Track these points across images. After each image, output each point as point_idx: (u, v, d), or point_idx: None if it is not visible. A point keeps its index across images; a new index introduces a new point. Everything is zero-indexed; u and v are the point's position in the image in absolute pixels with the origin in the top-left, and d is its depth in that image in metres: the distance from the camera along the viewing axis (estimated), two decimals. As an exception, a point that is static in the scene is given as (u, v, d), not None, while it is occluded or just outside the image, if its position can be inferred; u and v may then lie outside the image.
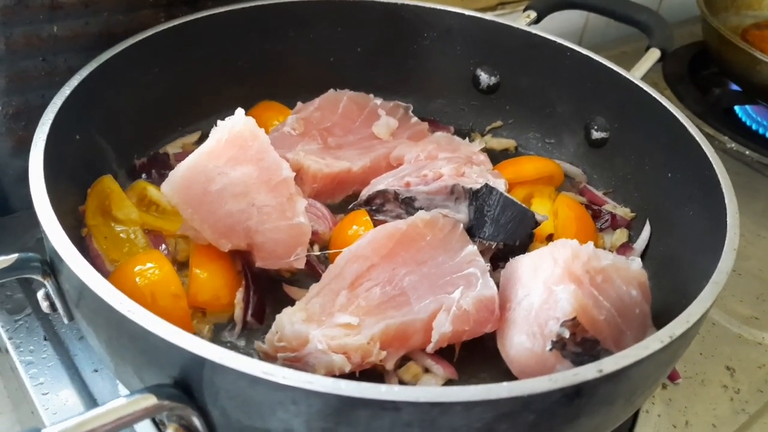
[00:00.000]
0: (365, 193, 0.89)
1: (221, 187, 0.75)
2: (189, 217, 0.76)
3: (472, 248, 0.79)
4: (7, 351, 0.80)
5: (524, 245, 0.82)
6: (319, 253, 0.82)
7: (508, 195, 0.83)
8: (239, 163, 0.75)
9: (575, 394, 0.51)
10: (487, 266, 0.77)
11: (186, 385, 0.52)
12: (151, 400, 0.50)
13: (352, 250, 0.78)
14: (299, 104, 1.03)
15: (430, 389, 0.48)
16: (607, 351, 0.65)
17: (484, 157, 0.96)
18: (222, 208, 0.75)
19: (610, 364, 0.52)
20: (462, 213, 0.84)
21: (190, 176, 0.75)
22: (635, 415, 0.80)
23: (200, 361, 0.49)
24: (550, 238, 0.89)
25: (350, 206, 0.91)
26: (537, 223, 0.82)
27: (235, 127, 0.76)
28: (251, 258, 0.79)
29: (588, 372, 0.51)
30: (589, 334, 0.66)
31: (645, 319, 0.71)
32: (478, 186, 0.83)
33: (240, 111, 0.77)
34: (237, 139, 0.75)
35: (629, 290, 0.70)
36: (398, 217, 0.86)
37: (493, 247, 0.82)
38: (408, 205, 0.86)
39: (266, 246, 0.77)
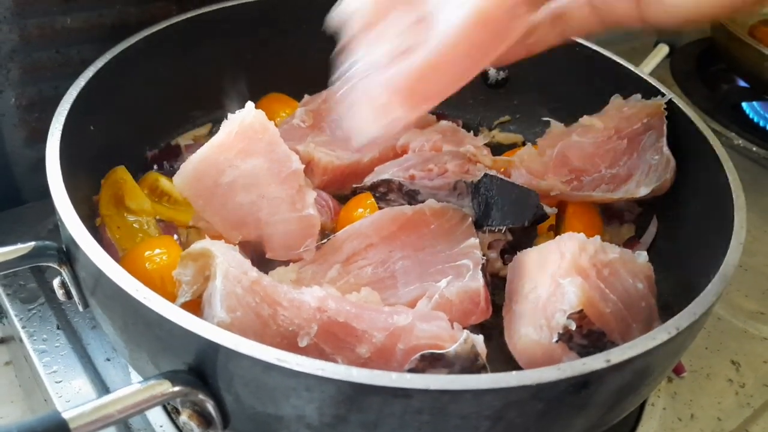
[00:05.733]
0: (369, 180, 0.88)
1: (232, 179, 0.76)
2: (200, 208, 0.77)
3: (473, 241, 0.78)
4: (20, 340, 0.81)
5: (534, 225, 0.82)
6: (324, 241, 0.83)
7: (506, 178, 0.83)
8: (249, 155, 0.76)
9: (583, 383, 0.51)
10: (484, 259, 0.76)
11: (200, 371, 0.52)
12: (165, 386, 0.51)
13: (355, 227, 0.79)
14: (306, 97, 1.03)
15: (441, 377, 0.49)
16: (614, 344, 0.66)
17: (486, 151, 0.96)
18: (232, 200, 0.76)
19: (617, 354, 0.52)
20: (466, 208, 0.84)
21: (201, 169, 0.76)
22: (641, 408, 0.81)
23: (215, 347, 0.49)
24: (551, 229, 0.90)
25: (354, 186, 0.90)
26: (543, 210, 0.81)
27: (246, 119, 0.76)
28: (261, 249, 0.80)
29: (595, 362, 0.51)
30: (596, 327, 0.67)
31: (651, 312, 0.72)
32: (478, 178, 0.83)
33: (250, 104, 0.77)
34: (247, 131, 0.76)
35: (636, 283, 0.71)
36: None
37: (503, 231, 0.81)
38: (411, 197, 0.85)
39: (276, 237, 0.78)
